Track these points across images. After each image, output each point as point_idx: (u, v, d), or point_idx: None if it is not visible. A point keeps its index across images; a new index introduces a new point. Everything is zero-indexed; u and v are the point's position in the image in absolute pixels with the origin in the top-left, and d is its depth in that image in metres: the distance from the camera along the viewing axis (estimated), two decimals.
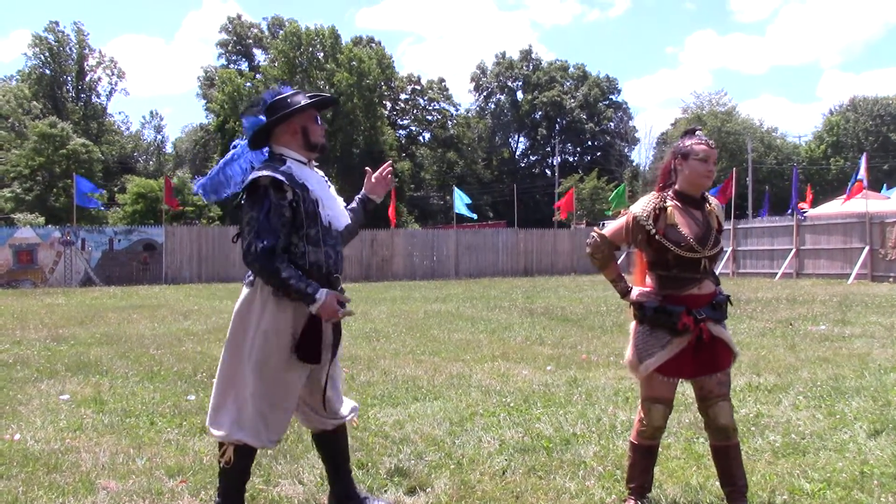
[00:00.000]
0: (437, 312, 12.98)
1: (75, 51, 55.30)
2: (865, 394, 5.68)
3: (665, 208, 3.28)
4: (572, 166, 61.88)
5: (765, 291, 16.75)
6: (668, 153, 3.44)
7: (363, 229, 3.23)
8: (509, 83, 65.96)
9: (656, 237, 3.25)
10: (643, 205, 3.32)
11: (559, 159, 62.80)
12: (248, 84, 48.99)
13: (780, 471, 3.89)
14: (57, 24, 54.07)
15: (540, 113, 63.45)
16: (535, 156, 67.43)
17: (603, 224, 23.53)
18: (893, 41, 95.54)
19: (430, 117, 62.26)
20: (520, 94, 65.66)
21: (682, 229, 3.24)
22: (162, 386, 6.48)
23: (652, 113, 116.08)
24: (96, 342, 9.40)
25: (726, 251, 23.74)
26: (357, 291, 17.72)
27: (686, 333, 3.21)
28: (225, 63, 60.06)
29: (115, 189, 47.25)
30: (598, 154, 63.93)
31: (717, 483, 3.46)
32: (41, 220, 35.61)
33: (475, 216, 30.09)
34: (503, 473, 3.94)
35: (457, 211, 27.84)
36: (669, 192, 3.34)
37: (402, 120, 62.29)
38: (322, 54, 50.40)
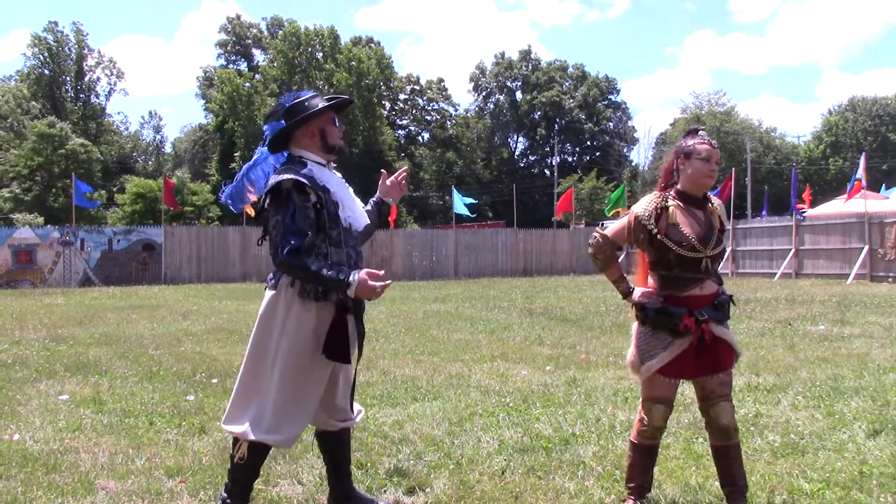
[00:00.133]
0: (436, 312, 12.98)
1: (74, 51, 55.22)
2: (864, 394, 5.68)
3: (667, 208, 3.27)
4: (571, 166, 61.89)
5: (764, 291, 16.76)
6: (670, 152, 3.44)
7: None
8: (508, 83, 65.92)
9: (658, 237, 3.24)
10: (645, 204, 3.32)
11: (558, 159, 62.77)
12: (248, 84, 48.93)
13: (779, 471, 3.89)
14: (56, 24, 54.07)
15: (539, 113, 63.42)
16: (535, 156, 67.42)
17: (604, 224, 23.51)
18: (892, 41, 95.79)
19: (429, 117, 62.25)
20: (519, 95, 65.64)
21: (683, 229, 3.23)
22: (161, 386, 6.47)
23: (651, 113, 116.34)
24: (95, 342, 9.40)
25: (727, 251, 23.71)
26: None
27: (687, 335, 3.21)
28: (224, 63, 60.06)
29: (115, 189, 47.24)
30: (598, 154, 63.91)
31: (717, 483, 3.46)
32: (40, 220, 35.54)
33: (474, 214, 30.07)
34: (502, 473, 3.94)
35: (456, 211, 27.85)
36: (671, 192, 3.34)
37: (401, 120, 62.29)
38: (321, 54, 50.43)
